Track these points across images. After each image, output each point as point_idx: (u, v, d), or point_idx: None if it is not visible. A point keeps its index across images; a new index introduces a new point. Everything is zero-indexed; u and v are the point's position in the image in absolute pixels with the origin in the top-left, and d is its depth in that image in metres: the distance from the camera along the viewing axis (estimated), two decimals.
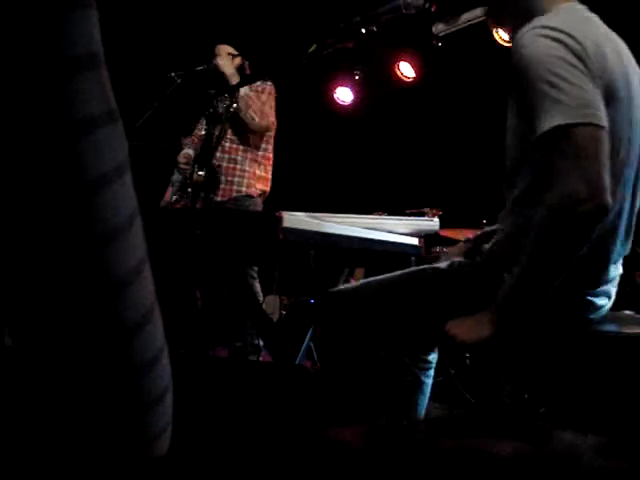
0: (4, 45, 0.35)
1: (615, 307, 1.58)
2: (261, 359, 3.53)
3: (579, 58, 1.32)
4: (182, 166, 3.53)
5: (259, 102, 3.48)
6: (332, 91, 5.39)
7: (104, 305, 0.39)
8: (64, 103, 0.37)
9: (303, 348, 2.03)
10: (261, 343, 3.49)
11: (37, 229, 0.38)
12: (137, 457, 0.42)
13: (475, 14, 4.06)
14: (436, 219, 2.29)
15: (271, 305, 4.95)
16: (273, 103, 3.62)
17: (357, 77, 4.41)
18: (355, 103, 5.40)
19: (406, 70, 5.01)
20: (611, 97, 1.37)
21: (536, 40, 1.35)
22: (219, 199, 3.50)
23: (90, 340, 0.39)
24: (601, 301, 1.51)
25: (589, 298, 1.48)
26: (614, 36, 1.48)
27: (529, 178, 1.46)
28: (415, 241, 2.07)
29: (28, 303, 0.39)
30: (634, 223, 1.52)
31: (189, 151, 3.64)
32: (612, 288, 1.54)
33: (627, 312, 1.65)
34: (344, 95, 5.37)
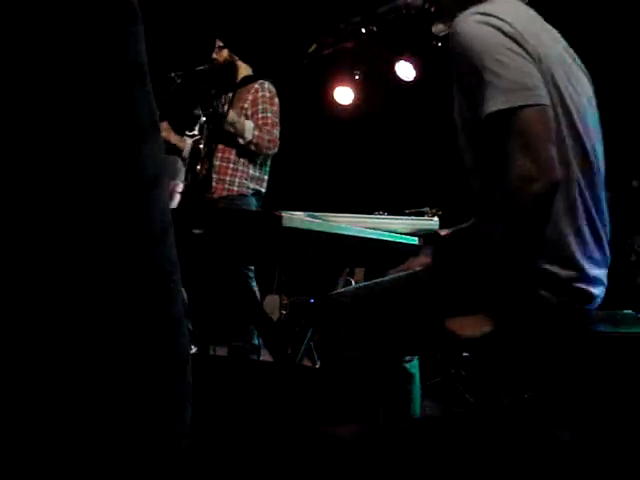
0: (83, 54, 0.36)
1: (615, 307, 1.58)
2: (261, 359, 3.53)
3: (516, 41, 1.35)
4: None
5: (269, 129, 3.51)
6: (332, 91, 5.39)
7: (156, 298, 0.41)
8: (127, 110, 0.38)
9: (303, 348, 2.03)
10: (261, 343, 3.49)
11: (97, 224, 0.38)
12: (173, 451, 0.43)
13: None
14: (436, 219, 2.29)
15: (271, 305, 4.95)
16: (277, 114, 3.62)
17: (357, 77, 4.41)
18: (355, 103, 5.40)
19: (406, 70, 5.00)
20: (550, 75, 1.39)
21: (473, 27, 1.38)
22: (212, 196, 3.51)
23: (143, 334, 0.40)
24: (594, 289, 1.48)
25: (578, 285, 1.45)
26: (548, 25, 1.53)
27: (483, 168, 1.48)
28: (415, 241, 2.08)
29: (82, 297, 0.40)
30: (603, 198, 1.50)
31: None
32: (602, 276, 1.51)
33: (627, 312, 1.65)
34: (344, 95, 5.37)
